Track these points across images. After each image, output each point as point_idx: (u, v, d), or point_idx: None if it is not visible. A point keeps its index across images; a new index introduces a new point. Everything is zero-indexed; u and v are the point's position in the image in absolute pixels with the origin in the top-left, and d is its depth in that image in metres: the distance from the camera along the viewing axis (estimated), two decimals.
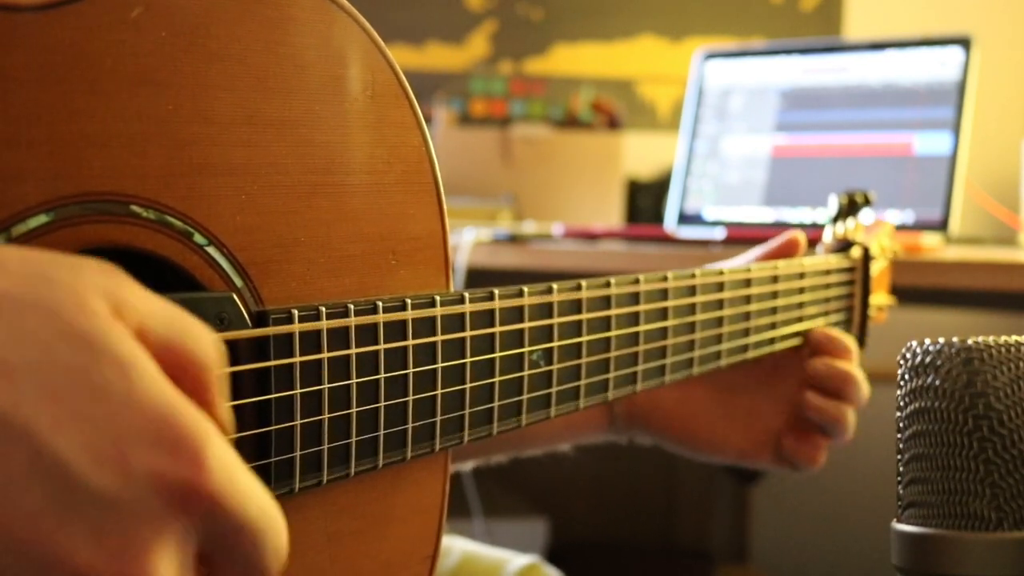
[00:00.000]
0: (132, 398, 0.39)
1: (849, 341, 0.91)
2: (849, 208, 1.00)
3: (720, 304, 0.81)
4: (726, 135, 1.84)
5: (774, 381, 0.94)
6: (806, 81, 1.79)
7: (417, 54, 2.70)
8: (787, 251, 0.93)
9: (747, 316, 0.84)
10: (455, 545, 1.07)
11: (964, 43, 1.66)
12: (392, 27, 2.68)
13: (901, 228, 1.61)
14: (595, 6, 2.79)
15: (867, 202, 1.00)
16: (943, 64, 1.67)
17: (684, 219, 1.85)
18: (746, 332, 0.85)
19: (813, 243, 1.01)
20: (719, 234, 1.56)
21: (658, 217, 2.19)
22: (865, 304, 0.99)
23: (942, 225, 1.59)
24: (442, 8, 2.72)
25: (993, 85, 2.43)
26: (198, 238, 0.52)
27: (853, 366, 0.91)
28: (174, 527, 0.39)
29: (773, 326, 0.88)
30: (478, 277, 1.57)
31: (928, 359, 0.57)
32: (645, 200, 2.39)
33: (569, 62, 2.77)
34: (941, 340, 0.57)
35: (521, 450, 1.01)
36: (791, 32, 2.83)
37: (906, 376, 0.58)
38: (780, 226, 1.73)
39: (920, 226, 1.60)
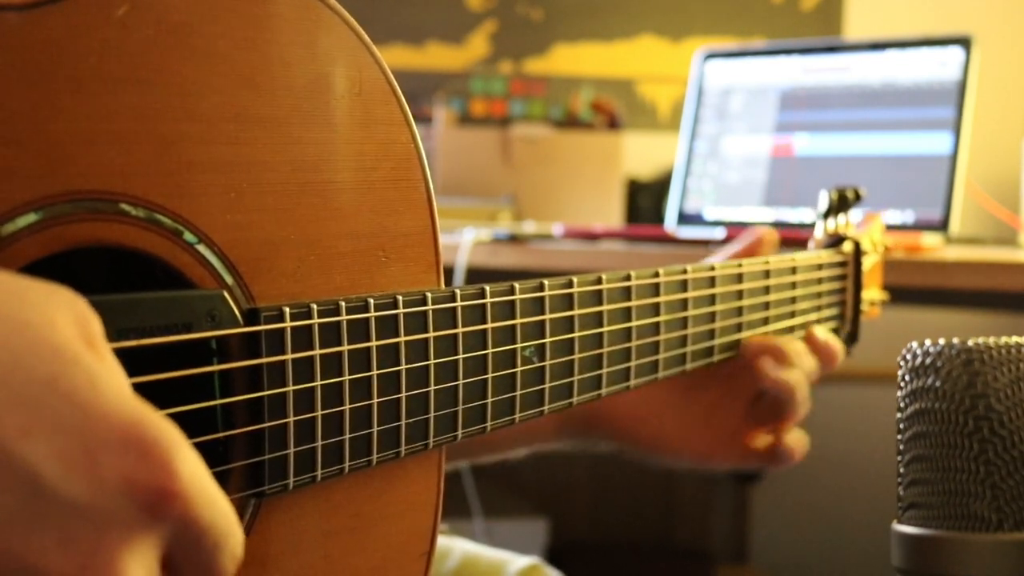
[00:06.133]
0: (101, 406, 0.39)
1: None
2: (839, 204, 1.00)
3: (712, 299, 0.81)
4: (726, 135, 1.84)
5: (733, 377, 0.91)
6: (806, 81, 1.79)
7: (417, 54, 2.70)
8: (755, 250, 0.92)
9: (739, 311, 0.84)
10: (455, 546, 1.07)
11: (964, 43, 1.65)
12: (392, 27, 2.68)
13: (901, 228, 1.60)
14: (595, 6, 2.78)
15: (858, 198, 1.00)
16: (943, 64, 1.66)
17: (684, 219, 1.84)
18: (738, 327, 0.84)
19: (807, 241, 1.01)
20: (719, 234, 1.55)
21: (658, 217, 2.19)
22: (858, 299, 0.98)
23: (942, 225, 1.58)
24: (442, 8, 2.72)
25: (993, 85, 2.43)
26: (188, 236, 0.52)
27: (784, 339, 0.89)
28: (143, 532, 0.39)
29: (766, 321, 0.87)
30: (478, 277, 1.56)
31: (928, 360, 0.57)
32: (645, 200, 2.38)
33: (569, 62, 2.77)
34: (941, 341, 0.57)
35: (476, 457, 0.99)
36: (791, 32, 2.83)
37: (906, 377, 0.58)
38: (780, 226, 1.72)
39: (920, 226, 1.59)
